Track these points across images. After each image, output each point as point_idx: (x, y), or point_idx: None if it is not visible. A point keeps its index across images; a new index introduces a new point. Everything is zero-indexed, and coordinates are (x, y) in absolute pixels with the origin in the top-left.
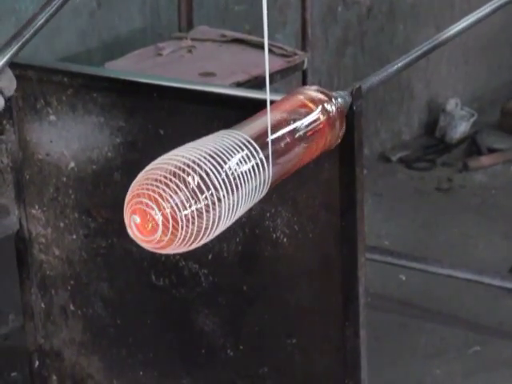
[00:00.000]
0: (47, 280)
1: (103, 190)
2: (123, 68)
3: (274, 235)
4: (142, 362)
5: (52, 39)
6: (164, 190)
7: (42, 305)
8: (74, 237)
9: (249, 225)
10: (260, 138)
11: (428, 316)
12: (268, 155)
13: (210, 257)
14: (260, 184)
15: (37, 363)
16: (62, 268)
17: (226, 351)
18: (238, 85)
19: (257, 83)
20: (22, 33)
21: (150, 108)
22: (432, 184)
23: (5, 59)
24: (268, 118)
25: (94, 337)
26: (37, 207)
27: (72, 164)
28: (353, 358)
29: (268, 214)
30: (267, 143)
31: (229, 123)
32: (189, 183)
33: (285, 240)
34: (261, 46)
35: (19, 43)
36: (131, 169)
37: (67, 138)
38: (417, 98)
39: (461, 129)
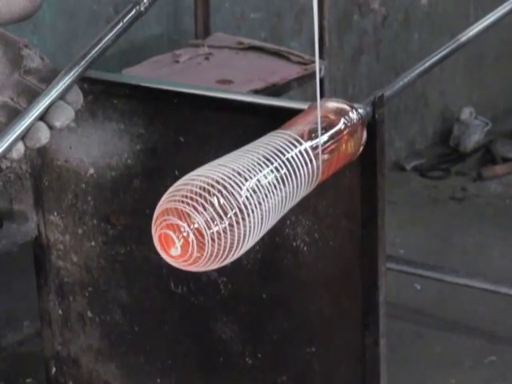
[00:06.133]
0: (65, 287)
1: (122, 197)
2: (140, 75)
3: (294, 243)
4: (159, 369)
5: (69, 45)
6: (190, 209)
7: (60, 311)
8: (93, 243)
9: (269, 233)
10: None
11: (443, 325)
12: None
13: (229, 265)
14: (290, 193)
15: (54, 370)
16: (79, 275)
17: (245, 359)
18: (256, 92)
19: (274, 90)
20: (90, 52)
21: (170, 115)
22: (446, 193)
23: (74, 77)
24: (319, 119)
25: (111, 344)
26: (55, 214)
27: (91, 170)
28: (372, 367)
29: (288, 222)
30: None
31: (249, 130)
32: (214, 202)
33: (305, 248)
34: (277, 54)
35: (87, 62)
36: (151, 176)
37: (87, 145)
38: (431, 106)
39: (475, 138)
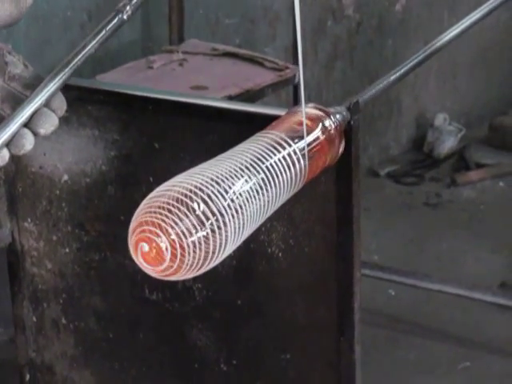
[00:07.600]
0: (39, 293)
1: (97, 204)
2: (114, 81)
3: (269, 250)
4: (134, 376)
5: (42, 51)
6: (168, 217)
7: (34, 318)
8: (67, 250)
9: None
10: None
11: (417, 331)
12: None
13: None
14: (271, 199)
15: (28, 377)
16: (54, 281)
17: (220, 366)
18: (230, 98)
19: (249, 96)
20: (73, 59)
21: (145, 121)
22: (420, 199)
23: (58, 84)
24: (304, 124)
25: (86, 351)
26: (29, 220)
27: (65, 177)
28: (348, 373)
29: (263, 229)
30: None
31: (224, 137)
32: (193, 209)
33: (280, 255)
34: (251, 60)
35: (71, 69)
36: (125, 182)
37: (61, 151)
38: (405, 113)
39: (449, 144)
